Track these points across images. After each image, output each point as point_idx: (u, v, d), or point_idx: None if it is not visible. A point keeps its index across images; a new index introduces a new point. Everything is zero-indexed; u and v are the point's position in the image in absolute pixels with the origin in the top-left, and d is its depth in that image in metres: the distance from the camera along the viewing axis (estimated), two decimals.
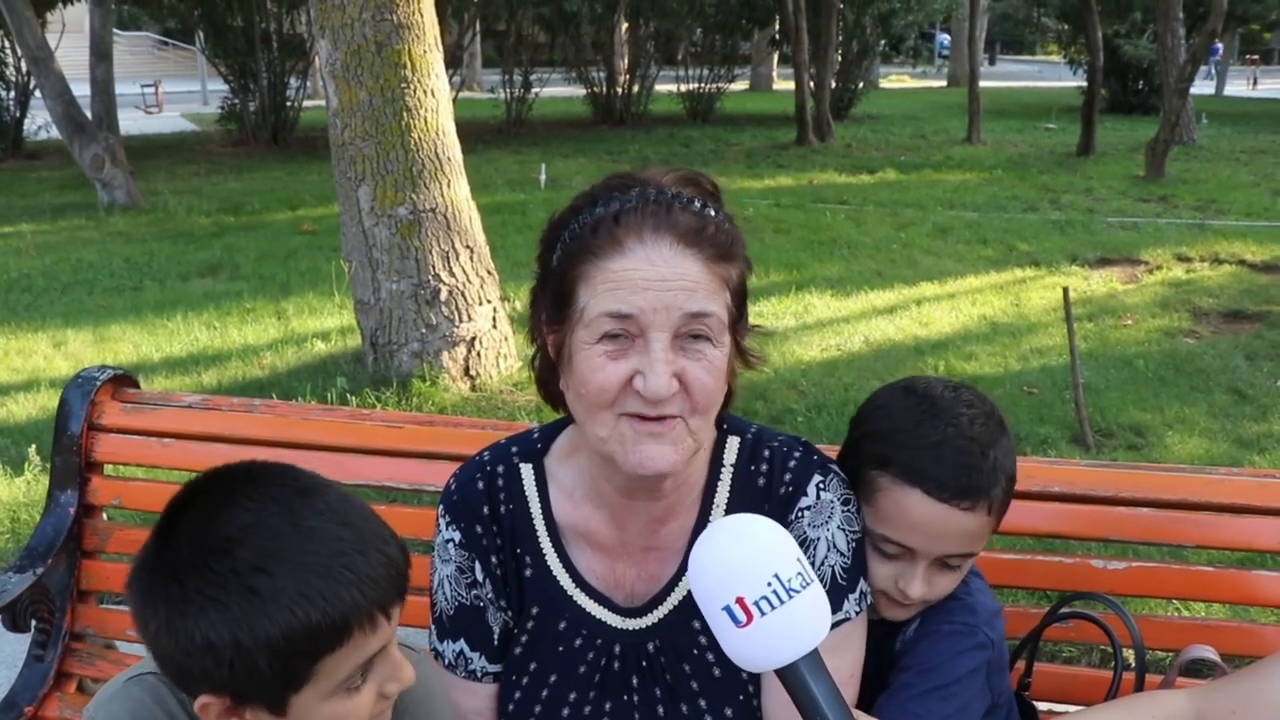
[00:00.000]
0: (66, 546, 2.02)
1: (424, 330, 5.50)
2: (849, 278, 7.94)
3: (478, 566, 1.40)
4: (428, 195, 5.43)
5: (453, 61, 16.16)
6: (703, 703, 1.36)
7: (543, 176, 12.03)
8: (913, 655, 1.43)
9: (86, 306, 7.48)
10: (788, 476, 1.36)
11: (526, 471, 1.42)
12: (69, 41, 14.21)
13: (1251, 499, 1.67)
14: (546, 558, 1.40)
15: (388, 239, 5.43)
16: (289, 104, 17.16)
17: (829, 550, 1.34)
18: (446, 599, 1.43)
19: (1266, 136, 17.27)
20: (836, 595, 1.32)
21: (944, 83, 32.39)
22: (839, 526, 1.36)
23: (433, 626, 1.45)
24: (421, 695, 1.30)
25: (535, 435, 1.46)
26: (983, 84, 17.29)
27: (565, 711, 1.38)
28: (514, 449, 1.44)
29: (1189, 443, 4.78)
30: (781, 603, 1.02)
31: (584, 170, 13.36)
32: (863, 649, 1.38)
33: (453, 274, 5.51)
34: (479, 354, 5.62)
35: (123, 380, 2.13)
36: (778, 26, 21.03)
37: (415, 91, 5.33)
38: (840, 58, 19.99)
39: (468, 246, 5.58)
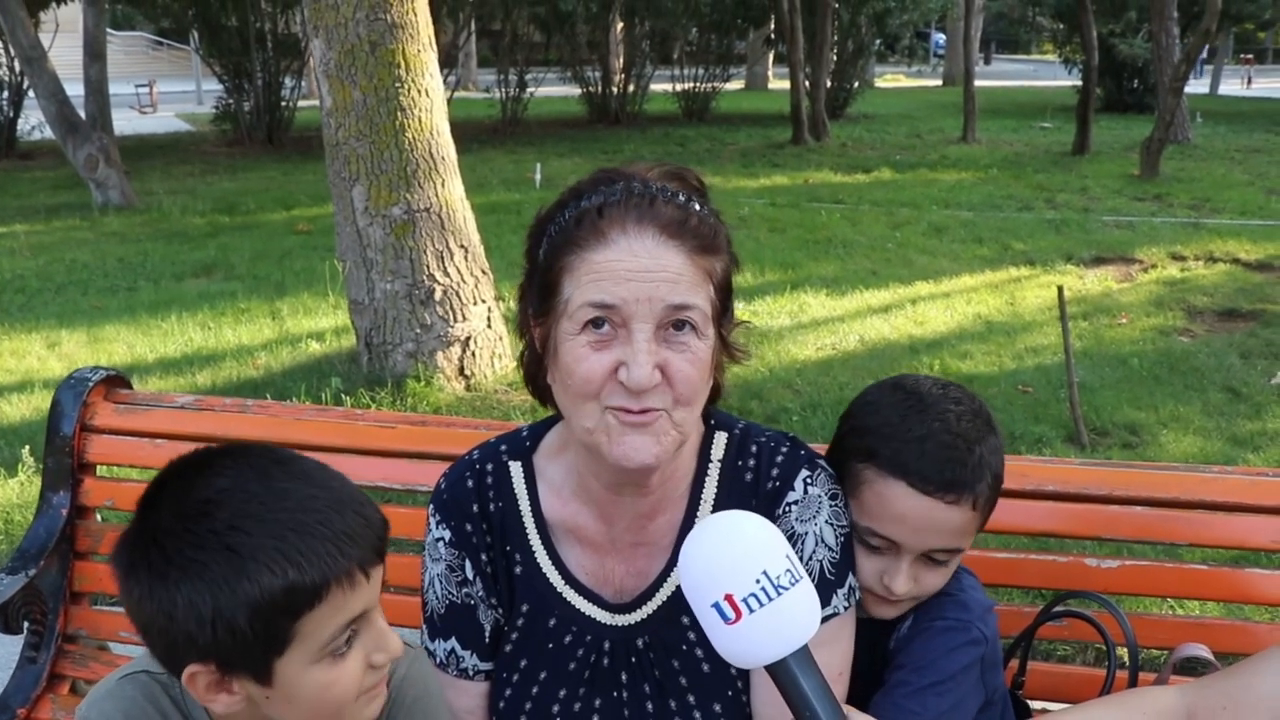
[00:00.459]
0: (59, 548, 2.01)
1: (419, 330, 5.50)
2: (844, 277, 7.95)
3: (468, 565, 1.41)
4: (422, 195, 5.42)
5: (448, 61, 16.15)
6: (691, 699, 1.36)
7: (538, 176, 12.02)
8: (907, 653, 1.43)
9: (81, 307, 7.47)
10: (775, 471, 1.37)
11: (515, 469, 1.42)
12: (63, 41, 14.17)
13: (1245, 497, 1.67)
14: (536, 555, 1.40)
15: (382, 239, 5.42)
16: (284, 104, 17.13)
17: (817, 545, 1.35)
18: (437, 598, 1.43)
19: (1261, 135, 17.30)
20: (825, 590, 1.32)
21: (939, 82, 32.40)
22: (827, 521, 1.36)
23: (424, 626, 1.45)
24: (420, 693, 1.31)
25: (524, 433, 1.46)
26: (978, 83, 17.31)
27: (555, 708, 1.38)
28: (503, 447, 1.44)
29: (1183, 441, 4.79)
30: (770, 600, 1.03)
31: (579, 170, 13.25)
32: (852, 644, 1.38)
33: (447, 274, 5.50)
34: (474, 354, 5.62)
35: (115, 381, 2.13)
36: (773, 26, 21.02)
37: (409, 91, 5.33)
38: (835, 57, 20.00)
39: (462, 246, 5.57)
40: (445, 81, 6.80)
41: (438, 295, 5.48)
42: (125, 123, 18.13)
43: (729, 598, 1.03)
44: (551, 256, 1.24)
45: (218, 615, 1.04)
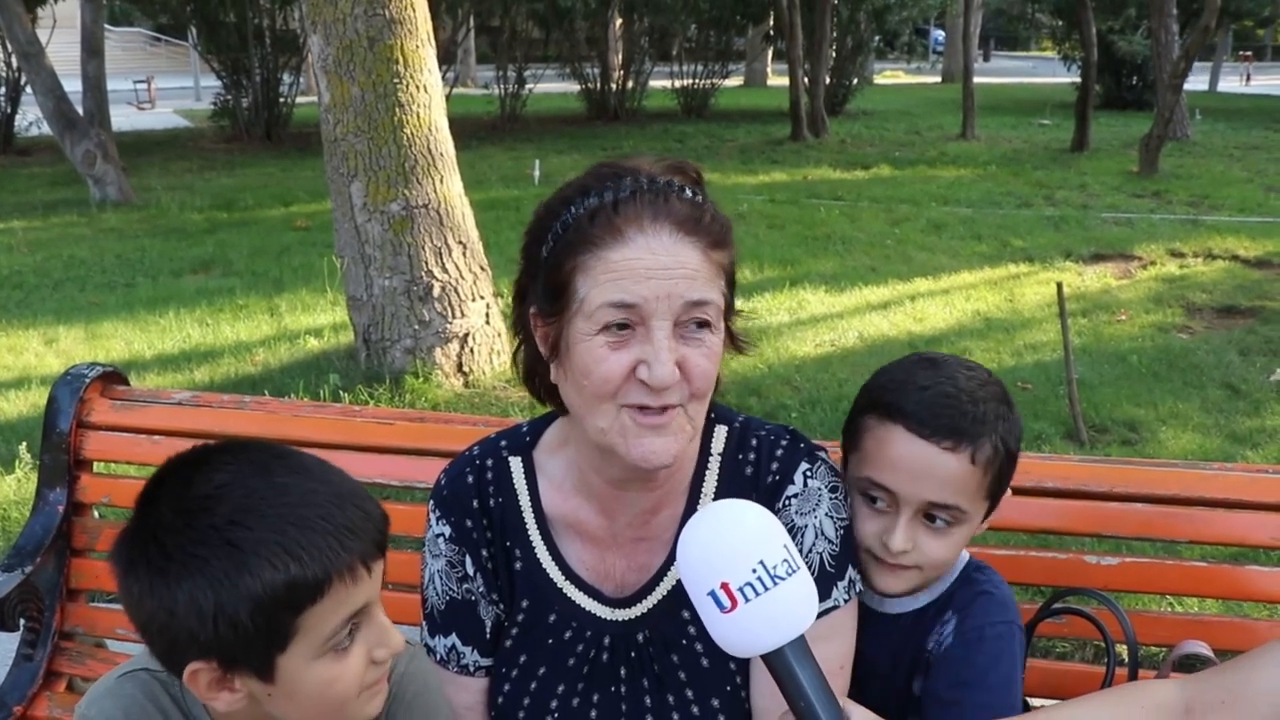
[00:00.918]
0: (55, 545, 2.01)
1: (417, 326, 5.49)
2: (843, 273, 7.94)
3: (468, 560, 1.40)
4: (420, 191, 5.41)
5: (447, 58, 16.12)
6: (689, 693, 1.35)
7: (537, 172, 12.00)
8: (949, 662, 1.38)
9: (78, 303, 7.46)
10: (775, 465, 1.36)
11: (515, 465, 1.42)
12: (60, 37, 14.14)
13: (1244, 494, 1.66)
14: (536, 550, 1.39)
15: (380, 235, 5.41)
16: (282, 100, 17.11)
17: (817, 537, 1.34)
18: (437, 594, 1.42)
19: (1260, 132, 17.29)
20: (825, 583, 1.32)
21: (938, 79, 32.35)
22: (827, 514, 1.35)
23: (424, 622, 1.45)
24: (420, 689, 1.31)
25: (524, 429, 1.46)
26: (977, 80, 17.29)
27: (553, 704, 1.38)
28: (503, 443, 1.44)
29: (1182, 438, 4.79)
30: (766, 589, 1.03)
31: (578, 166, 13.11)
32: (854, 638, 1.37)
33: (445, 270, 5.49)
34: (472, 350, 5.61)
35: (112, 377, 2.12)
36: (772, 22, 21.01)
37: (408, 87, 5.32)
38: (835, 53, 19.99)
39: (461, 242, 5.56)
40: (444, 78, 6.79)
41: (436, 291, 5.48)
42: (123, 119, 18.09)
43: (725, 586, 1.03)
44: (562, 255, 1.22)
45: (219, 611, 1.03)
